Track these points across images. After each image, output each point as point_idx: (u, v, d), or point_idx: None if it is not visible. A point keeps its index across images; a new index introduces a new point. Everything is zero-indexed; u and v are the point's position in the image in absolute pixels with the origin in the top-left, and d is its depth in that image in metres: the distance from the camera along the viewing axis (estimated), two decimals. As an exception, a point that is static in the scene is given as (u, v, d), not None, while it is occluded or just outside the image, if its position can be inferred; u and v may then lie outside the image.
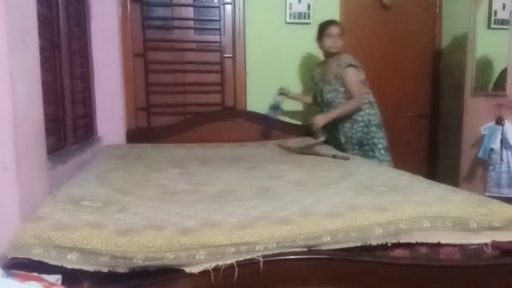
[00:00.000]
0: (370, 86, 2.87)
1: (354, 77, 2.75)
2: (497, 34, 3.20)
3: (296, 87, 3.29)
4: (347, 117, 2.81)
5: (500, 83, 2.91)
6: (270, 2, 3.22)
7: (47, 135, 1.56)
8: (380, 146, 2.82)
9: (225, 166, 2.24)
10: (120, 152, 2.64)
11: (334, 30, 2.81)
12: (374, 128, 2.82)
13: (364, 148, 2.84)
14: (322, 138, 2.78)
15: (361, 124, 2.82)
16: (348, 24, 3.33)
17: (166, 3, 3.21)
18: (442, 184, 1.79)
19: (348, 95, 2.78)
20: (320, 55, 3.04)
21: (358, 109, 2.80)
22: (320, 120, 2.74)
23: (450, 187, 1.71)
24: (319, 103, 3.00)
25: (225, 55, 3.22)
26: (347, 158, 2.35)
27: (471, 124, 2.88)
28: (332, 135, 2.94)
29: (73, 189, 1.62)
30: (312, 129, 2.81)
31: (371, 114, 2.84)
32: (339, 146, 2.89)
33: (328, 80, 2.86)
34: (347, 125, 2.84)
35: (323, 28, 2.84)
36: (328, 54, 2.87)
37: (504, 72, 2.82)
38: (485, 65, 3.06)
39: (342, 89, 2.80)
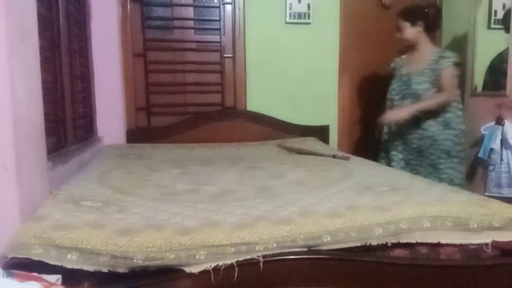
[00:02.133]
0: (370, 86, 2.83)
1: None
2: (497, 34, 3.19)
3: (296, 87, 3.29)
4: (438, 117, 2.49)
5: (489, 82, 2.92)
6: (270, 2, 3.22)
7: (47, 135, 1.56)
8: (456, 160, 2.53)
9: (225, 166, 2.24)
10: (120, 152, 2.64)
11: None
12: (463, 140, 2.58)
13: (452, 160, 2.53)
14: (385, 137, 2.54)
15: (454, 132, 2.53)
16: (348, 24, 3.34)
17: (166, 3, 3.21)
18: (442, 184, 1.80)
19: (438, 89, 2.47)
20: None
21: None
22: (399, 114, 2.40)
23: (450, 187, 1.71)
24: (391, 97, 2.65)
25: (225, 55, 3.22)
26: (347, 158, 2.34)
27: (471, 124, 2.88)
28: (407, 139, 2.60)
29: (73, 189, 1.62)
30: (378, 127, 2.51)
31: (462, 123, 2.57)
32: (412, 152, 2.59)
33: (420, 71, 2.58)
34: (438, 126, 2.52)
35: (430, 16, 2.61)
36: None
37: (492, 70, 2.84)
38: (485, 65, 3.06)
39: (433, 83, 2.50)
